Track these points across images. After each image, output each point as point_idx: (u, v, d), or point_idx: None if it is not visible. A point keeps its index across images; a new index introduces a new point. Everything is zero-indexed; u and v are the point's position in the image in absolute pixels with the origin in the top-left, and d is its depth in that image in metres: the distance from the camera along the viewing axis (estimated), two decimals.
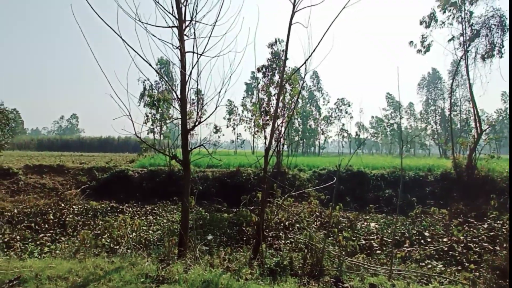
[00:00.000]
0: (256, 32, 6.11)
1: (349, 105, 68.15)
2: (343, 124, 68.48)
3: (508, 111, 64.07)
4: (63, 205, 12.74)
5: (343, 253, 7.84)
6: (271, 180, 9.57)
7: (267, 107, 17.95)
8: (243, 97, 57.99)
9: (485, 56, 18.06)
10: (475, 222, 10.42)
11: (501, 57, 17.66)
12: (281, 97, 15.95)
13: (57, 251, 7.27)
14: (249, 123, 55.37)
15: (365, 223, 11.97)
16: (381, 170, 17.86)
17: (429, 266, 7.32)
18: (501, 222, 9.56)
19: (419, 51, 19.54)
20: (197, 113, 5.14)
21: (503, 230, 8.94)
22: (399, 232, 9.80)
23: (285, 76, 17.67)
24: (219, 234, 9.77)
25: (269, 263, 5.65)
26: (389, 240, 9.21)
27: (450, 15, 18.90)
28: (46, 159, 23.25)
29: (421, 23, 18.96)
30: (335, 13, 5.75)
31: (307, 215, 11.63)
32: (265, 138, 18.81)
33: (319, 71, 68.99)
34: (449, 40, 19.47)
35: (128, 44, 5.05)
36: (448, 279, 6.16)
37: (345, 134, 67.64)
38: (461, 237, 8.83)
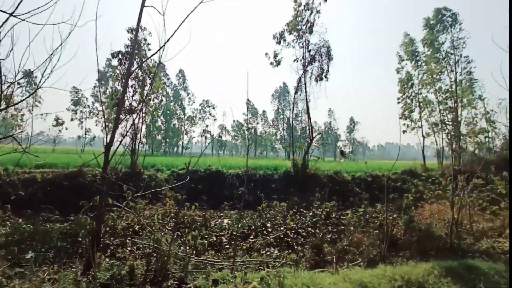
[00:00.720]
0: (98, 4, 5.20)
1: (213, 108, 70.63)
2: (207, 126, 70.36)
3: (330, 125, 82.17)
4: None
5: (194, 252, 7.81)
6: (113, 180, 8.52)
7: (123, 100, 16.16)
8: (95, 87, 49.80)
9: (317, 78, 22.31)
10: (305, 211, 12.55)
11: (327, 80, 22.26)
12: (132, 88, 14.73)
13: None
14: (101, 117, 48.63)
15: (219, 220, 12.37)
16: (236, 170, 19.12)
17: (268, 253, 8.25)
18: (321, 209, 11.87)
19: (271, 63, 22.23)
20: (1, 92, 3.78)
21: (322, 216, 11.13)
22: (246, 226, 10.61)
23: (142, 65, 16.48)
24: (45, 249, 7.90)
25: (103, 276, 4.88)
26: (238, 234, 9.87)
27: (295, 39, 22.35)
28: None
29: (274, 37, 21.64)
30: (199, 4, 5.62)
31: (160, 217, 11.06)
32: (120, 134, 16.89)
33: (185, 70, 68.32)
34: (294, 61, 22.98)
35: None
36: (281, 263, 7.05)
37: (208, 136, 69.67)
38: (293, 225, 10.41)
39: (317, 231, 9.75)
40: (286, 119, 75.21)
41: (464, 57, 25.32)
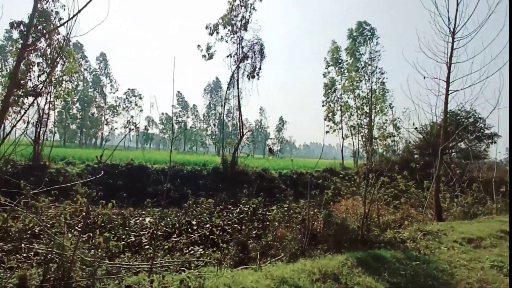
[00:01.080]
0: None
1: (140, 98, 65.83)
2: (132, 117, 65.24)
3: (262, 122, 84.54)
4: None
5: (108, 255, 7.01)
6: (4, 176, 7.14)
7: (25, 79, 13.77)
8: None
9: (250, 75, 22.49)
10: (232, 208, 12.48)
11: (258, 79, 22.62)
12: (38, 67, 12.56)
13: None
14: None
15: (140, 218, 11.54)
16: (162, 165, 18.10)
17: (192, 252, 7.89)
18: (248, 206, 11.94)
19: (204, 56, 21.56)
20: None
21: (248, 212, 11.21)
22: (170, 224, 10.05)
23: (51, 40, 14.22)
24: None
25: None
26: (159, 234, 9.25)
27: (228, 33, 22.08)
28: None
29: (206, 27, 20.96)
30: None
31: (68, 217, 9.71)
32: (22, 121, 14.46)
33: (108, 55, 62.09)
34: (227, 56, 22.74)
35: None
36: (204, 262, 6.79)
37: (133, 127, 64.72)
38: (220, 222, 10.23)
39: (243, 227, 9.74)
40: (218, 115, 74.64)
41: (379, 68, 28.64)
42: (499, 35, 9.59)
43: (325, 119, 30.00)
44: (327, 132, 29.72)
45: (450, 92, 10.26)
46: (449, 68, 10.17)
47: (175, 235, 9.10)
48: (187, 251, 7.94)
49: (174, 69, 5.41)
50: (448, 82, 10.19)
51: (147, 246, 8.15)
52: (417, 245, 6.59)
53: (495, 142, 22.03)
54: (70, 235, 7.30)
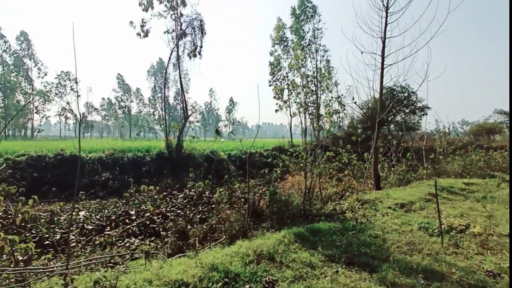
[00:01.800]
0: None
1: (76, 82, 59.57)
2: (68, 103, 59.00)
3: None
4: None
5: (18, 260, 6.06)
6: None
7: None
8: None
9: (190, 54, 21.16)
10: (178, 193, 11.85)
11: (200, 58, 21.38)
12: None
13: None
14: None
15: (73, 213, 10.37)
16: (99, 153, 16.55)
17: (127, 244, 7.23)
18: (194, 190, 11.42)
19: (138, 34, 19.63)
20: None
21: (194, 196, 10.71)
22: (104, 216, 9.16)
23: None
24: None
25: None
26: (91, 228, 8.38)
27: (167, 10, 20.32)
28: None
29: (140, 4, 18.95)
30: None
31: None
32: None
33: (31, 33, 54.38)
34: (165, 32, 21.04)
35: None
36: (139, 254, 6.21)
37: (69, 115, 58.60)
38: (162, 209, 9.59)
39: (188, 212, 9.25)
40: (165, 98, 70.82)
41: (322, 46, 29.11)
42: (427, 11, 10.02)
43: (274, 97, 30.00)
44: (276, 110, 29.85)
45: (385, 66, 10.56)
46: (383, 43, 10.41)
47: (108, 228, 8.29)
48: (122, 243, 7.26)
49: (74, 36, 4.49)
50: (383, 56, 10.46)
51: (74, 244, 7.27)
52: (355, 214, 6.72)
53: (426, 114, 24.05)
54: None
